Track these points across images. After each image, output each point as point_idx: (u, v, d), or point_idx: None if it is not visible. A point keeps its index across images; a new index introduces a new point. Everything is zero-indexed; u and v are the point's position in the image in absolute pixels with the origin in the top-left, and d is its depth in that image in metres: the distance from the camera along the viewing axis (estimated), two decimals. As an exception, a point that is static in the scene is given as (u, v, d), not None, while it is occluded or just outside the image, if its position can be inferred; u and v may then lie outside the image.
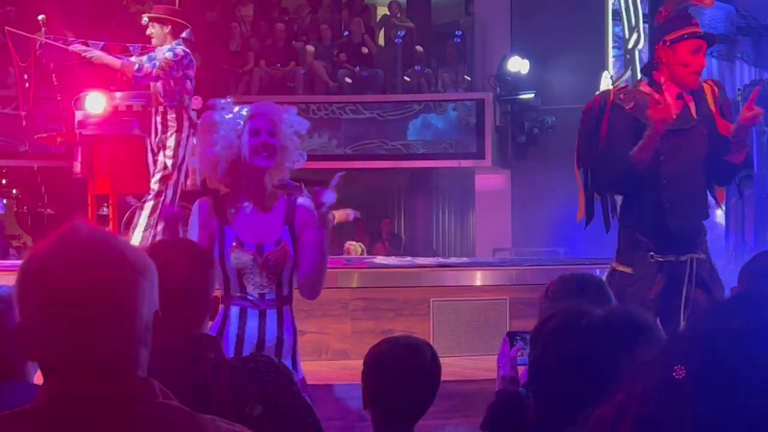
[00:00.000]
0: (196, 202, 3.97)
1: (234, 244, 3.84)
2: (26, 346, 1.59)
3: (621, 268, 5.11)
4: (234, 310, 3.86)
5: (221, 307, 3.79)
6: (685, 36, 5.02)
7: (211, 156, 3.92)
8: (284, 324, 3.90)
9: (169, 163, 7.53)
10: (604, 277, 4.81)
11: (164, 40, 7.72)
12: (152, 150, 7.65)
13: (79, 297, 1.54)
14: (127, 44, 9.04)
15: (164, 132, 7.57)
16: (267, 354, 3.38)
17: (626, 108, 5.06)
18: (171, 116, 7.57)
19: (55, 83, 8.94)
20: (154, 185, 7.56)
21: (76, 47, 7.88)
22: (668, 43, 5.04)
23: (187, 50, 7.66)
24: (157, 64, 7.48)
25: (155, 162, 7.61)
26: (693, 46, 5.02)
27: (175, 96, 7.58)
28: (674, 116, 4.97)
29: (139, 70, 7.49)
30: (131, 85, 7.73)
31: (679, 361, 0.99)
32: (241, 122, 3.94)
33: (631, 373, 1.04)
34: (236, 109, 4.00)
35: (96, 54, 7.75)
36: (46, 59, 9.05)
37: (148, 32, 7.82)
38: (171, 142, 7.54)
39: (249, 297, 3.85)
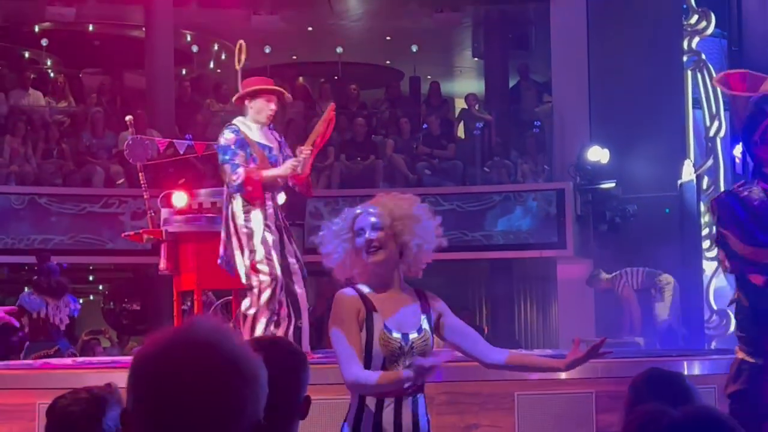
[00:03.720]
0: (340, 292, 4.04)
1: (383, 330, 3.89)
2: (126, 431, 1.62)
3: (750, 358, 4.88)
4: (370, 400, 3.89)
5: (357, 397, 3.87)
6: (765, 127, 5.00)
7: (336, 266, 4.04)
8: (419, 411, 3.93)
9: None
10: (686, 369, 4.71)
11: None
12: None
13: (180, 398, 1.57)
14: (211, 142, 9.23)
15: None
16: None
17: (755, 203, 4.96)
18: None
19: (142, 182, 9.14)
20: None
21: (255, 173, 7.41)
22: (759, 143, 5.02)
23: None
24: None
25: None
26: None
27: None
28: None
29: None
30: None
31: None
32: (347, 226, 4.00)
33: None
34: (345, 215, 4.06)
35: (271, 173, 7.47)
36: (133, 159, 9.28)
37: (273, 110, 7.68)
38: None
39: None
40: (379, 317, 3.92)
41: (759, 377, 4.76)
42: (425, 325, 3.96)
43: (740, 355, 4.95)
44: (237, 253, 7.44)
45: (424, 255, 4.02)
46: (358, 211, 4.01)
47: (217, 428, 1.57)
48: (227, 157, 7.40)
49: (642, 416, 2.26)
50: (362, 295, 3.97)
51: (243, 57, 8.05)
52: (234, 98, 7.79)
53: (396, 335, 3.89)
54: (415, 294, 4.04)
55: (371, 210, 3.98)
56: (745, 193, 5.01)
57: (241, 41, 8.10)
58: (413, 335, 3.91)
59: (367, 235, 3.94)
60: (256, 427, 1.62)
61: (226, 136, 7.46)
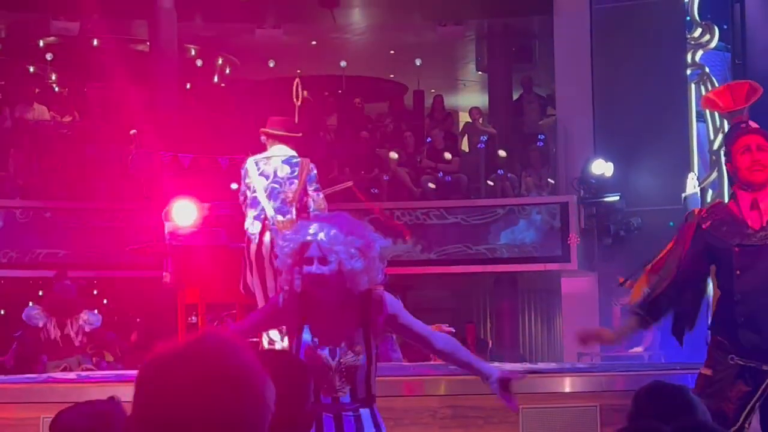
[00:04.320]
0: (279, 294, 4.04)
1: (309, 344, 3.87)
2: None
3: (704, 370, 5.06)
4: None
5: None
6: (733, 143, 5.07)
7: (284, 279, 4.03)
8: (363, 428, 3.88)
9: None
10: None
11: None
12: None
13: (183, 411, 1.57)
14: (216, 156, 9.26)
15: None
16: None
17: (703, 227, 5.05)
18: None
19: (146, 195, 9.15)
20: None
21: None
22: (727, 158, 5.11)
23: None
24: None
25: None
26: (740, 147, 5.03)
27: None
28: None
29: None
30: None
31: None
32: (297, 248, 3.94)
33: None
34: (294, 235, 3.99)
35: None
36: (137, 172, 9.30)
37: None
38: None
39: (322, 402, 3.86)
40: (308, 330, 3.91)
41: (709, 388, 4.86)
42: (359, 337, 3.90)
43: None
44: (262, 279, 7.44)
45: (369, 282, 3.95)
46: (309, 238, 3.91)
47: None
48: (319, 186, 7.78)
49: None
50: (303, 305, 3.95)
51: (301, 93, 8.21)
52: (295, 134, 7.88)
53: (322, 352, 3.87)
54: (360, 301, 3.95)
55: (321, 242, 3.89)
56: (705, 213, 5.08)
57: (298, 79, 8.21)
58: (340, 350, 3.88)
59: (314, 269, 3.88)
60: None
61: (314, 168, 7.79)
